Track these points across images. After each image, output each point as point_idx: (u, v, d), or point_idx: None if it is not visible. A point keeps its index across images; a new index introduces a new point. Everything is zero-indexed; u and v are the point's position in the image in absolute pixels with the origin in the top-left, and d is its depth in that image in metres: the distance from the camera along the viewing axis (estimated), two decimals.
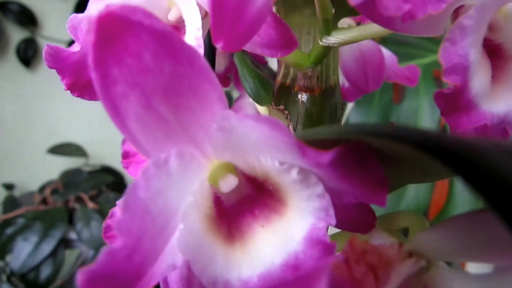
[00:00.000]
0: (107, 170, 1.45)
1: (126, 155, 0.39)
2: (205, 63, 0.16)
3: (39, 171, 1.43)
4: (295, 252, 0.17)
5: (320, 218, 0.17)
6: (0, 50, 1.43)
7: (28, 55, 1.41)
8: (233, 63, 0.38)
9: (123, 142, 0.41)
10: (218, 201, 0.18)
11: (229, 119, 0.16)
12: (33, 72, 1.45)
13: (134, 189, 0.14)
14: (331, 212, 0.17)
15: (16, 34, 1.42)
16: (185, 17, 0.21)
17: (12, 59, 1.42)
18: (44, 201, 1.30)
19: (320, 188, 0.17)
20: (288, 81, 0.29)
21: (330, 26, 0.24)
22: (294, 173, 0.17)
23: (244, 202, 0.19)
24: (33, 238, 1.15)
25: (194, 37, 0.21)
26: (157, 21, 0.15)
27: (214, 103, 0.17)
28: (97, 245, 1.17)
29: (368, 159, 0.16)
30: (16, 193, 1.40)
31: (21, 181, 1.45)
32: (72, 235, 1.20)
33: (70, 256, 1.23)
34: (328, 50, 0.25)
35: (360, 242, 0.15)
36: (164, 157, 0.15)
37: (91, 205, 1.25)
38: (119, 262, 0.14)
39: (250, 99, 0.33)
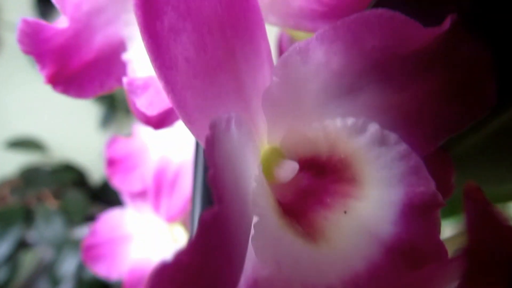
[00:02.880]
0: (69, 167, 1.37)
1: (111, 163, 0.33)
2: (259, 5, 0.13)
3: None
4: (396, 234, 0.13)
5: (412, 183, 0.14)
6: None
7: None
8: None
9: (108, 146, 0.35)
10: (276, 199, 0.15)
11: (291, 63, 0.13)
12: None
13: (210, 149, 0.11)
14: (425, 172, 0.14)
15: None
16: None
17: None
18: (0, 199, 1.21)
19: (403, 147, 0.14)
20: None
21: None
22: (371, 129, 0.14)
23: (305, 195, 0.15)
24: None
25: None
26: None
27: (265, 61, 0.14)
28: (59, 246, 1.11)
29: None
30: None
31: None
32: (31, 236, 1.12)
33: (28, 258, 1.15)
34: None
35: None
36: (226, 118, 0.11)
37: (53, 203, 1.17)
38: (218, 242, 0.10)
39: None
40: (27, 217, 1.12)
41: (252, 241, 0.12)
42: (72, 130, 1.41)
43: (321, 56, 0.13)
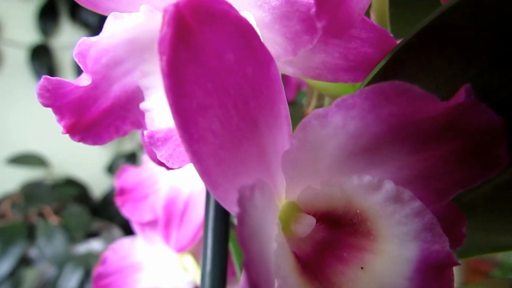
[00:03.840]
0: (71, 182, 1.37)
1: (122, 192, 0.34)
2: (279, 73, 0.13)
3: None
4: None
5: (427, 240, 0.14)
6: None
7: None
8: None
9: (118, 176, 0.36)
10: (293, 253, 0.15)
11: (309, 127, 0.14)
12: None
13: (240, 224, 0.11)
14: (439, 228, 0.14)
15: None
16: None
17: None
18: (1, 215, 1.21)
19: (417, 204, 0.14)
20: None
21: None
22: (387, 187, 0.14)
23: (322, 248, 0.16)
24: None
25: None
26: (239, 13, 0.12)
27: (284, 123, 0.14)
28: (61, 262, 1.10)
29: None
30: None
31: None
32: (32, 253, 1.12)
33: (30, 275, 1.14)
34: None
35: None
36: (250, 186, 0.12)
37: (54, 219, 1.17)
38: None
39: None
40: (29, 233, 1.11)
41: None
42: (73, 146, 1.41)
43: (339, 120, 0.13)
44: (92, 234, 1.23)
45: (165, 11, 0.11)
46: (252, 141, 0.13)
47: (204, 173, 0.12)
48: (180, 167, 0.16)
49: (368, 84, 0.15)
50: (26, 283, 1.11)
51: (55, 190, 1.30)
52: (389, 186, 0.14)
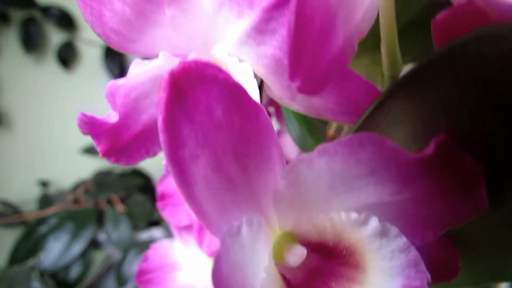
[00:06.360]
0: (136, 173, 1.47)
1: (162, 197, 0.37)
2: (269, 119, 0.15)
3: (72, 169, 1.46)
4: None
5: (410, 276, 0.15)
6: (41, 52, 1.47)
7: (67, 57, 1.45)
8: None
9: (160, 181, 0.39)
10: (285, 280, 0.16)
11: (297, 169, 0.15)
12: (72, 73, 1.49)
13: (218, 262, 0.13)
14: (422, 265, 0.15)
15: (56, 37, 1.46)
16: None
17: (51, 61, 1.46)
18: (75, 200, 1.33)
19: (402, 241, 0.15)
20: (342, 136, 0.27)
21: None
22: (373, 223, 0.15)
23: (313, 276, 0.17)
24: (64, 238, 1.17)
25: None
26: (228, 74, 0.13)
27: (276, 163, 0.15)
28: (125, 248, 1.18)
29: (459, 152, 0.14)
30: (51, 190, 1.43)
31: (55, 178, 1.48)
32: (100, 237, 1.21)
33: (98, 257, 1.25)
34: None
35: None
36: (237, 225, 0.14)
37: (120, 207, 1.26)
38: None
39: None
40: (99, 218, 1.21)
41: None
42: None
43: (323, 164, 0.15)
44: (154, 223, 1.30)
45: (161, 78, 0.12)
46: (243, 184, 0.14)
47: (198, 213, 0.14)
48: None
49: (358, 127, 0.16)
50: (94, 264, 1.21)
51: (122, 179, 1.40)
52: (375, 222, 0.15)
